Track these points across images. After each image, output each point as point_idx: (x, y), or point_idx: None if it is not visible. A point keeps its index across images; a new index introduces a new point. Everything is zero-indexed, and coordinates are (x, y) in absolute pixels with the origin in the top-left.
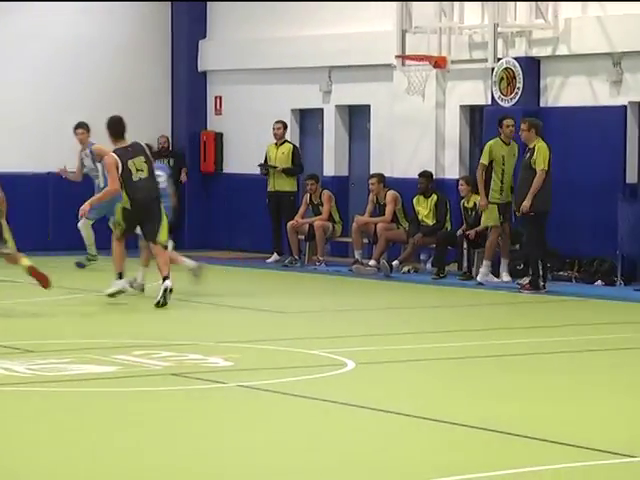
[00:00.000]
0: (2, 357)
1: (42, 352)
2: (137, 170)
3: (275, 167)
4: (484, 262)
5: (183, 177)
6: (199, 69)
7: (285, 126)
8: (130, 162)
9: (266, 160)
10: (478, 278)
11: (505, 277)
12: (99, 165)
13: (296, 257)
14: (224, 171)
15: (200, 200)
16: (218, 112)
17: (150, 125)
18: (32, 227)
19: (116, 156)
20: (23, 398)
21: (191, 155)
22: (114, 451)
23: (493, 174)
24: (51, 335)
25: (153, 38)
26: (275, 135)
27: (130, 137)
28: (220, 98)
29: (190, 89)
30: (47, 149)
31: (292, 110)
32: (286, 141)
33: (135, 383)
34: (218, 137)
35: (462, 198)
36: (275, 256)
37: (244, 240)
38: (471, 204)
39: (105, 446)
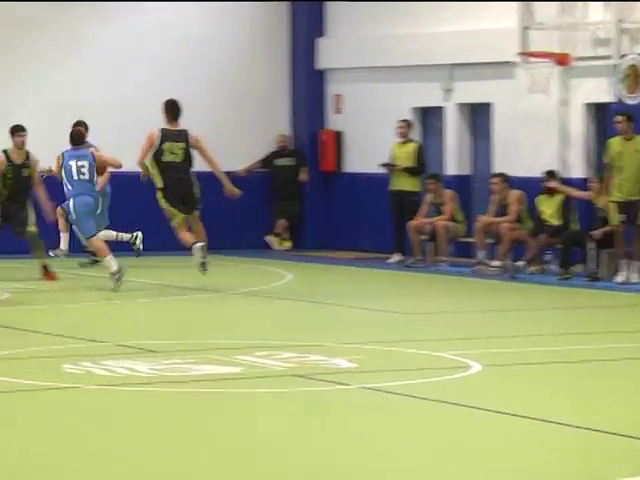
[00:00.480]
0: (126, 357)
1: (166, 352)
2: (171, 153)
3: (395, 166)
4: (620, 262)
5: (304, 176)
6: (318, 67)
7: (409, 125)
8: (168, 144)
9: (392, 159)
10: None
11: (635, 278)
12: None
13: (419, 257)
14: (344, 170)
15: (320, 199)
16: (337, 111)
17: (268, 124)
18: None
19: (159, 133)
20: (144, 398)
21: (311, 154)
22: (234, 452)
23: (614, 171)
24: (175, 335)
25: (270, 37)
26: (400, 134)
27: (249, 136)
28: (339, 96)
29: (309, 88)
30: None
31: (413, 108)
32: (411, 140)
33: (257, 384)
34: (338, 136)
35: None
36: (397, 256)
37: (365, 240)
38: (601, 203)
39: (226, 448)
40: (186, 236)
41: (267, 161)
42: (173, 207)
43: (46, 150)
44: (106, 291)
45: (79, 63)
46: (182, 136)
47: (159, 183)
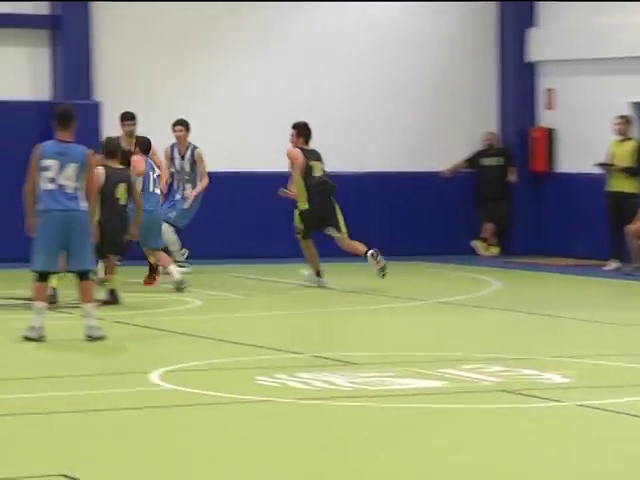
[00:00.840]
0: (323, 369)
1: (366, 364)
2: (316, 170)
3: (613, 165)
4: None
5: (512, 177)
6: (528, 60)
7: (628, 121)
8: (311, 162)
9: (609, 158)
10: None
11: None
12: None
13: (638, 265)
14: (557, 170)
15: (530, 202)
16: (549, 106)
17: (474, 121)
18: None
19: (301, 153)
20: (343, 413)
21: (520, 153)
22: (438, 470)
23: None
24: (375, 346)
25: (475, 32)
26: (618, 131)
27: (454, 134)
28: (552, 91)
29: (518, 82)
30: (365, 148)
31: (632, 103)
32: (630, 137)
33: (463, 399)
34: (549, 133)
35: None
36: (615, 263)
37: (580, 246)
38: None
39: (429, 465)
40: (309, 251)
41: (473, 161)
42: (304, 227)
43: (232, 146)
44: (297, 300)
45: (276, 60)
46: (319, 155)
47: (304, 205)
